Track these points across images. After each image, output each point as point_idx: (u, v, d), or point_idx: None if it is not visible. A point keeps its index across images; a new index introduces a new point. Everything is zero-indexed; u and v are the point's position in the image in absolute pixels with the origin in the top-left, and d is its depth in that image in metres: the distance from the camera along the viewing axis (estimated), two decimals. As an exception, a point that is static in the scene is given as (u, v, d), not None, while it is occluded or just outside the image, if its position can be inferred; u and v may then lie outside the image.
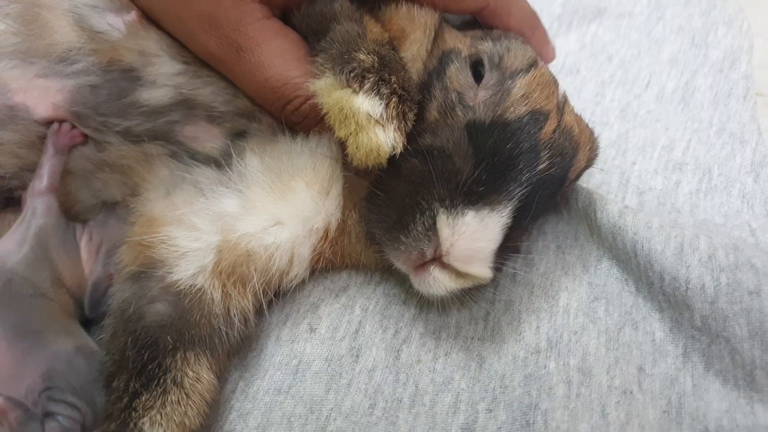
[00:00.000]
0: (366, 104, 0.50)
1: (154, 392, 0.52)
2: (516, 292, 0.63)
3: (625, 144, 0.79)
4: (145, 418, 0.50)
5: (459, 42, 0.61)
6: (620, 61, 0.92)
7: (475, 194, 0.51)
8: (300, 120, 0.58)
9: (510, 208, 0.52)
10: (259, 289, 0.60)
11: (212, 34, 0.57)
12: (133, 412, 0.50)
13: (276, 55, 0.57)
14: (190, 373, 0.54)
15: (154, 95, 0.60)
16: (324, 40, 0.56)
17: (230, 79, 0.60)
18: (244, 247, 0.59)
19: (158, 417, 0.50)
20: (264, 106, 0.60)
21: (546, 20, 0.99)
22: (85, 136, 0.61)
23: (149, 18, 0.62)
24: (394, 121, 0.51)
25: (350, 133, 0.51)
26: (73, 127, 0.61)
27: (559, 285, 0.63)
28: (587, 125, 0.63)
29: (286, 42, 0.58)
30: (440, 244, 0.51)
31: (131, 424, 0.50)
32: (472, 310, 0.62)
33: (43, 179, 0.61)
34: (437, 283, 0.53)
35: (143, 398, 0.51)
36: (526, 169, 0.53)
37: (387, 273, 0.66)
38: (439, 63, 0.59)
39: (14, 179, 0.61)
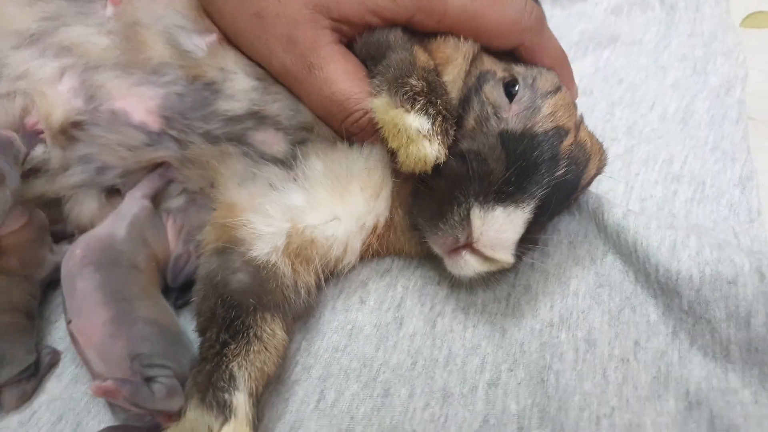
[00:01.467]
0: (416, 122, 0.58)
1: (240, 342, 0.61)
2: (533, 278, 0.72)
3: (631, 157, 0.87)
4: (234, 363, 0.60)
5: (494, 65, 0.70)
6: (629, 84, 1.01)
7: (504, 193, 0.60)
8: (357, 132, 0.66)
9: (532, 205, 0.60)
10: (319, 269, 0.70)
11: (289, 51, 0.65)
12: (224, 357, 0.60)
13: (342, 74, 0.65)
14: (268, 329, 0.64)
15: (232, 106, 0.70)
16: (381, 64, 0.64)
17: (298, 92, 0.68)
18: (309, 235, 0.69)
19: (244, 362, 0.60)
20: (325, 119, 0.68)
21: (565, 45, 1.06)
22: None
23: (228, 40, 0.71)
24: (439, 136, 0.58)
25: (401, 145, 0.59)
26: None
27: (570, 273, 0.72)
28: (598, 140, 0.72)
29: (350, 64, 0.66)
30: (472, 232, 0.60)
31: (223, 366, 0.59)
32: (495, 291, 0.71)
33: (143, 189, 0.72)
34: (467, 265, 0.63)
35: (231, 347, 0.61)
36: (547, 173, 0.61)
37: (424, 259, 0.75)
38: (477, 81, 0.68)
39: (119, 177, 0.73)
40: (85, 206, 0.74)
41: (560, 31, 1.09)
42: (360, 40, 0.69)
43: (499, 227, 0.60)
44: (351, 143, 0.71)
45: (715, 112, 0.93)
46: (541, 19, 0.73)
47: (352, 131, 0.67)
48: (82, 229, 0.74)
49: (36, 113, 0.70)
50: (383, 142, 0.63)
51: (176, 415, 0.58)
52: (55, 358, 0.69)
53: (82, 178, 0.72)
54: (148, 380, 0.59)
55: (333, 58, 0.65)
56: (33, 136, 0.69)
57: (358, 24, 0.68)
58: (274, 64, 0.68)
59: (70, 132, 0.71)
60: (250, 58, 0.71)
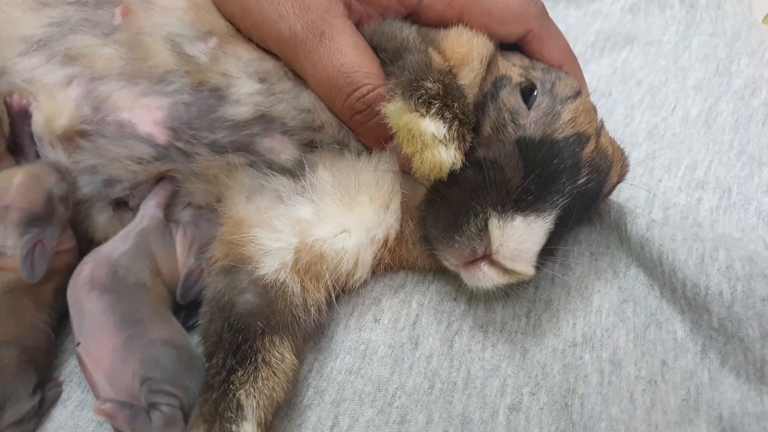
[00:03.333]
0: (432, 126, 0.56)
1: (248, 369, 0.59)
2: (555, 293, 0.70)
3: (652, 163, 0.85)
4: (241, 391, 0.57)
5: (510, 69, 0.68)
6: (649, 86, 0.98)
7: (523, 202, 0.58)
8: (363, 108, 0.63)
9: (553, 215, 0.59)
10: (330, 285, 0.68)
11: (302, 16, 0.64)
12: (230, 385, 0.58)
13: (353, 47, 0.64)
14: (277, 354, 0.61)
15: (238, 111, 0.68)
16: (396, 65, 0.62)
17: (303, 62, 0.65)
18: (318, 250, 0.67)
19: (252, 390, 0.58)
20: (328, 95, 0.66)
21: (580, 47, 1.07)
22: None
23: (234, 32, 0.70)
24: (455, 141, 0.57)
25: (416, 151, 0.56)
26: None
27: (592, 288, 0.70)
28: (619, 146, 0.69)
29: (360, 40, 0.65)
30: (491, 243, 0.58)
31: (230, 395, 0.57)
32: (515, 308, 0.69)
33: (156, 198, 0.71)
34: (486, 277, 0.60)
35: (239, 373, 0.59)
36: (569, 182, 0.59)
37: (439, 273, 0.73)
38: (492, 87, 0.66)
39: (128, 189, 0.71)
40: (94, 220, 0.73)
41: (576, 31, 1.08)
42: (368, 27, 0.68)
43: (519, 238, 0.58)
44: (359, 153, 0.69)
45: (740, 115, 0.90)
46: (545, 9, 0.73)
47: (358, 107, 0.64)
48: (97, 242, 0.73)
49: (37, 110, 0.69)
50: (393, 147, 0.61)
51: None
52: (58, 392, 0.66)
53: (90, 190, 0.71)
54: (151, 406, 0.57)
55: (345, 30, 0.65)
56: (21, 115, 0.70)
57: (369, 1, 0.68)
58: (283, 30, 0.65)
59: (75, 140, 0.70)
60: (252, 53, 0.70)
